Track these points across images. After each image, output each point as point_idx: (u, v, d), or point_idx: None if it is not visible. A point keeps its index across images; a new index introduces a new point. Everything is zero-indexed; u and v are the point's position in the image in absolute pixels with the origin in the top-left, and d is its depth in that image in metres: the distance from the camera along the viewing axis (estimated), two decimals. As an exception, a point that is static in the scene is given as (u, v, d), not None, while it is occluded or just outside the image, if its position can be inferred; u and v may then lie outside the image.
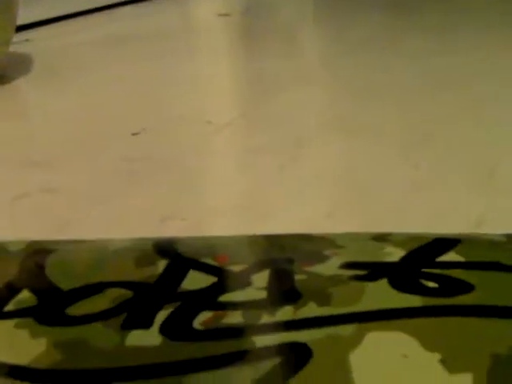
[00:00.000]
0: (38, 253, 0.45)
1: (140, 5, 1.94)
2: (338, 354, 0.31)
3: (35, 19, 1.61)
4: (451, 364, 0.30)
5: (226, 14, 1.77)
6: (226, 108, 0.98)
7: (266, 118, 0.88)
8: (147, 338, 0.34)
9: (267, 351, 0.32)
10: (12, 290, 0.40)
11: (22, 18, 1.37)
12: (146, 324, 0.35)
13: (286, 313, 0.35)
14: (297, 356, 0.31)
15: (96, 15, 1.78)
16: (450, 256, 0.39)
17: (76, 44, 1.46)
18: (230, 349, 0.32)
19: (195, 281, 0.39)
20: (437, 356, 0.30)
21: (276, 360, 0.31)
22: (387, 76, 1.09)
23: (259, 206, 0.61)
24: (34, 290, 0.39)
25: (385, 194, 0.63)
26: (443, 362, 0.30)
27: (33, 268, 0.42)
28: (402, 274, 0.38)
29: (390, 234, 0.44)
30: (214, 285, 0.38)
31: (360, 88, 1.02)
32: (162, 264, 0.41)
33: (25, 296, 0.39)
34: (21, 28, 1.47)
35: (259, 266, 0.40)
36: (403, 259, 0.39)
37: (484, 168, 0.67)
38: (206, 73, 1.19)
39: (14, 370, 0.32)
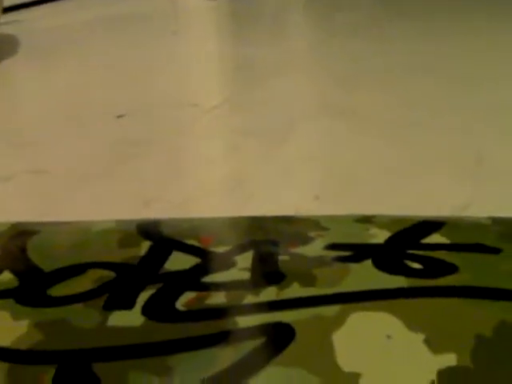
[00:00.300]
0: (20, 235, 0.44)
1: None
2: (321, 335, 0.31)
3: (23, 0, 1.60)
4: (435, 344, 0.30)
5: None
6: (213, 92, 0.97)
7: (252, 102, 0.88)
8: (129, 319, 0.33)
9: (250, 331, 0.32)
10: (-7, 271, 0.39)
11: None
12: (128, 305, 0.35)
13: (269, 293, 0.34)
14: (280, 336, 0.31)
15: None
16: (435, 238, 0.39)
17: (63, 26, 1.44)
18: (213, 329, 0.32)
19: (178, 262, 0.38)
20: (421, 336, 0.30)
21: (259, 340, 0.31)
22: (374, 61, 1.08)
23: (245, 189, 0.61)
24: (15, 272, 0.39)
25: (371, 177, 0.63)
26: (427, 342, 0.30)
27: (14, 249, 0.42)
28: (387, 255, 0.37)
29: (374, 216, 0.44)
30: (197, 266, 0.38)
31: (347, 73, 1.02)
32: (145, 245, 0.41)
33: (6, 277, 0.38)
34: (9, 9, 1.46)
35: (243, 248, 0.40)
36: (388, 241, 0.39)
37: (470, 154, 0.67)
38: (192, 56, 1.19)
39: (-6, 351, 0.32)
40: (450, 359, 0.29)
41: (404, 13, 1.49)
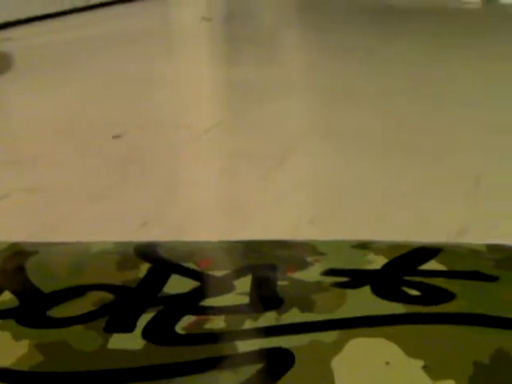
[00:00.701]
0: (18, 254, 0.44)
1: (124, 6, 1.93)
2: (321, 360, 0.31)
3: (17, 18, 1.61)
4: (434, 371, 0.30)
5: (208, 19, 1.77)
6: (207, 113, 0.98)
7: (246, 124, 0.89)
8: (130, 342, 0.34)
9: (249, 356, 0.32)
10: (-7, 291, 0.39)
11: (4, 16, 1.36)
12: (129, 327, 0.35)
13: (268, 318, 0.35)
14: (279, 362, 0.31)
15: (79, 15, 1.78)
16: (432, 264, 0.39)
17: (59, 43, 1.45)
18: (212, 354, 0.32)
19: (177, 285, 0.39)
20: (419, 363, 0.31)
21: (258, 365, 0.31)
22: (368, 84, 1.09)
23: (241, 211, 0.62)
24: (15, 292, 0.39)
25: (367, 201, 0.63)
26: (426, 368, 0.30)
27: (14, 270, 0.42)
28: (384, 282, 0.38)
29: (371, 242, 0.44)
30: (196, 289, 0.38)
31: (341, 95, 1.03)
32: (144, 268, 0.41)
33: (6, 297, 0.39)
34: (2, 26, 1.47)
35: (241, 272, 0.40)
36: (385, 267, 0.39)
37: (467, 176, 0.68)
38: (186, 77, 1.19)
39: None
40: (448, 386, 0.29)
41: (399, 34, 1.50)
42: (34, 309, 0.37)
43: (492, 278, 0.38)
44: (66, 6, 1.77)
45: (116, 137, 0.78)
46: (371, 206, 0.60)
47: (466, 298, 0.36)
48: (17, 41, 1.44)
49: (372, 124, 0.86)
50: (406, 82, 1.08)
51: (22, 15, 1.65)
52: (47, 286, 0.39)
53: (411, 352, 0.31)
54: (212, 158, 0.77)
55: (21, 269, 0.42)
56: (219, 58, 1.39)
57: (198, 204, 0.63)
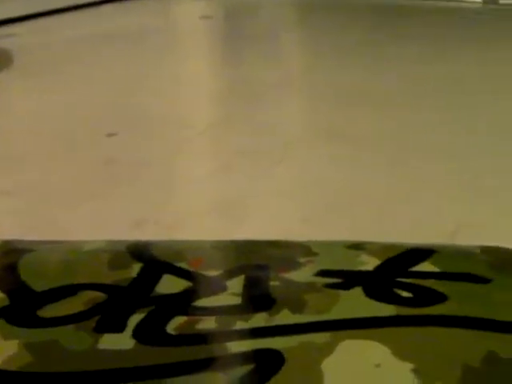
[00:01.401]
0: (11, 252, 0.44)
1: (124, 3, 1.93)
2: (311, 362, 0.31)
3: (19, 14, 1.60)
4: (423, 373, 0.30)
5: (208, 17, 1.76)
6: (207, 112, 0.98)
7: (246, 124, 0.88)
8: (120, 342, 0.33)
9: (240, 358, 0.32)
10: (-16, 289, 0.39)
11: (5, 13, 1.36)
12: (119, 328, 0.35)
13: (259, 319, 0.35)
14: (270, 363, 0.31)
15: (80, 12, 1.78)
16: (424, 266, 0.39)
17: (57, 41, 1.45)
18: (203, 354, 0.32)
19: (169, 285, 0.38)
20: (409, 365, 0.30)
21: (248, 367, 0.31)
22: (369, 82, 1.09)
23: (236, 210, 0.61)
24: (5, 291, 0.39)
25: (361, 202, 0.63)
26: (415, 371, 0.30)
27: (5, 268, 0.42)
28: (377, 283, 0.38)
29: (364, 243, 0.44)
30: (188, 289, 0.38)
31: (341, 94, 1.03)
32: (136, 267, 0.41)
33: (-3, 296, 0.38)
34: (2, 23, 1.46)
35: (234, 272, 0.40)
36: (378, 268, 0.39)
37: (465, 178, 0.68)
38: (187, 75, 1.19)
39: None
40: (438, 389, 0.29)
41: (400, 37, 1.50)
42: (24, 308, 0.37)
43: (485, 280, 0.38)
44: (70, 3, 1.77)
45: (111, 135, 0.78)
46: (370, 207, 0.60)
47: (458, 300, 0.36)
48: (18, 37, 1.44)
49: (375, 124, 0.86)
50: (409, 83, 1.08)
51: (25, 11, 1.65)
52: (39, 285, 0.39)
53: (401, 354, 0.31)
54: (210, 156, 0.77)
55: (13, 267, 0.42)
56: (220, 56, 1.39)
57: (193, 203, 0.63)
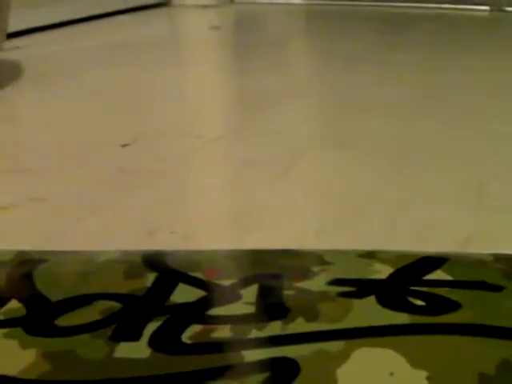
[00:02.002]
0: (26, 263, 0.45)
1: (134, 14, 1.94)
2: (326, 370, 0.31)
3: (27, 26, 1.62)
4: (438, 382, 0.30)
5: (217, 27, 1.77)
6: (217, 121, 0.98)
7: (255, 133, 0.89)
8: (136, 351, 0.34)
9: (255, 366, 0.32)
10: (1, 299, 0.40)
11: (14, 25, 1.37)
12: (135, 336, 0.35)
13: (274, 328, 0.35)
14: (285, 371, 0.32)
15: (89, 24, 1.78)
16: (438, 274, 0.40)
17: (67, 52, 1.46)
18: (219, 363, 0.32)
19: (184, 294, 0.39)
20: (423, 373, 0.31)
21: (264, 375, 0.31)
22: (377, 91, 1.09)
23: (248, 220, 0.62)
24: (22, 300, 0.40)
25: (373, 210, 0.63)
26: (430, 379, 0.30)
27: (21, 278, 0.43)
28: (390, 292, 0.38)
29: (377, 252, 0.44)
30: (202, 298, 0.38)
31: (352, 102, 1.03)
32: (151, 277, 0.41)
33: (14, 306, 0.39)
34: (12, 35, 1.48)
35: (247, 281, 0.40)
36: (391, 277, 0.40)
37: (473, 185, 0.68)
38: (196, 85, 1.20)
39: (1, 381, 0.32)
40: (452, 397, 0.29)
41: (408, 44, 1.50)
42: (41, 317, 0.38)
43: (497, 288, 0.38)
44: (78, 15, 1.78)
45: (125, 145, 0.79)
46: (380, 217, 0.60)
47: (472, 308, 0.36)
48: (27, 49, 1.45)
49: (384, 133, 0.86)
50: (418, 90, 1.08)
51: (35, 23, 1.66)
52: (54, 295, 0.40)
53: (415, 363, 0.31)
54: (220, 166, 0.77)
55: (28, 277, 0.42)
56: (228, 66, 1.39)
57: (205, 212, 0.63)
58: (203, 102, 1.08)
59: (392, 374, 0.31)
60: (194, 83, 1.21)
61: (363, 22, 1.84)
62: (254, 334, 0.35)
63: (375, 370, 0.31)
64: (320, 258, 0.43)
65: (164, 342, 0.34)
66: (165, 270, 0.42)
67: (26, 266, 0.44)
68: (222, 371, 0.32)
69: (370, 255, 0.43)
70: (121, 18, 1.88)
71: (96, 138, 0.87)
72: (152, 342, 0.34)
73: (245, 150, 0.82)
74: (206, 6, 2.10)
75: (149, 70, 1.28)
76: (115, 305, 0.38)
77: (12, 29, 1.34)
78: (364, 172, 0.73)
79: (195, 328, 0.35)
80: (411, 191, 0.68)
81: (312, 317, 0.36)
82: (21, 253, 0.47)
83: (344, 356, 0.32)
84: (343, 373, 0.31)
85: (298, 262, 0.43)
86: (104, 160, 0.79)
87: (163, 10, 2.08)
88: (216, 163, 0.80)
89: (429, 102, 1.03)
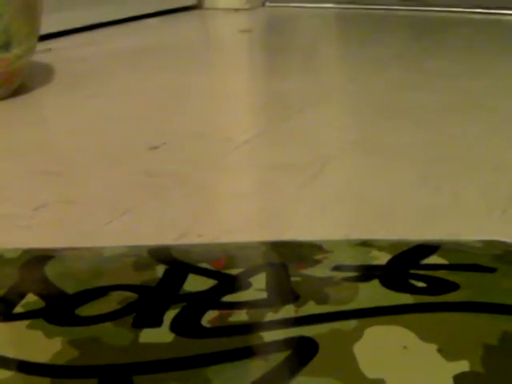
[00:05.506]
0: (36, 259, 0.46)
1: (164, 18, 1.93)
2: (343, 347, 0.34)
3: (59, 29, 1.61)
4: (448, 353, 0.33)
5: (247, 30, 1.77)
6: (246, 125, 0.98)
7: (285, 137, 0.89)
8: (160, 336, 0.36)
9: (276, 345, 0.34)
10: (17, 293, 0.41)
11: (46, 27, 1.36)
12: (157, 323, 0.37)
13: (288, 311, 0.37)
14: (304, 349, 0.34)
15: (119, 26, 1.77)
16: (434, 259, 0.42)
17: (97, 55, 1.45)
18: (241, 344, 0.35)
19: (196, 283, 0.41)
20: (434, 346, 0.33)
21: (286, 353, 0.34)
22: (409, 95, 1.09)
23: (276, 225, 0.62)
24: (39, 294, 0.41)
25: (404, 216, 0.64)
26: (440, 351, 0.33)
27: (34, 273, 0.44)
28: (392, 275, 0.40)
29: (372, 240, 0.47)
30: (214, 287, 0.40)
31: (382, 107, 1.03)
32: (160, 269, 0.43)
33: (31, 299, 0.40)
34: (44, 37, 1.47)
35: (255, 270, 0.42)
36: (390, 262, 0.42)
37: (506, 193, 0.68)
38: (226, 88, 1.19)
39: (33, 368, 0.34)
40: (463, 365, 0.32)
41: (438, 49, 1.50)
42: (61, 308, 0.39)
43: (491, 270, 0.41)
44: (108, 18, 1.79)
45: (154, 148, 0.80)
46: (410, 222, 0.62)
47: (470, 287, 0.39)
48: (58, 51, 1.45)
49: (415, 138, 0.87)
50: (449, 96, 1.09)
51: (66, 26, 1.66)
52: (71, 288, 0.41)
53: (425, 337, 0.34)
54: (249, 169, 0.78)
55: (41, 272, 0.44)
56: (257, 69, 1.40)
57: (233, 216, 0.64)
58: (232, 106, 1.08)
59: (405, 347, 0.33)
60: (223, 86, 1.22)
61: (393, 26, 1.85)
62: (270, 316, 0.37)
63: (389, 344, 0.34)
64: (319, 248, 0.45)
65: (186, 327, 0.36)
66: (173, 262, 0.44)
67: (37, 262, 0.46)
68: (245, 351, 0.34)
69: (366, 244, 0.46)
70: (152, 20, 1.88)
71: (125, 141, 0.87)
72: (174, 327, 0.36)
73: (274, 153, 0.82)
74: (237, 9, 2.11)
75: (178, 73, 1.28)
76: (131, 295, 0.40)
77: (44, 31, 1.33)
78: (393, 176, 0.73)
79: (212, 314, 0.37)
80: (442, 196, 0.68)
81: (322, 300, 0.38)
82: (28, 250, 0.48)
83: (358, 334, 0.34)
84: (359, 348, 0.33)
85: (299, 251, 0.46)
86: (133, 163, 0.79)
87: (194, 12, 2.08)
88: (245, 167, 0.80)
89: (459, 107, 1.02)
